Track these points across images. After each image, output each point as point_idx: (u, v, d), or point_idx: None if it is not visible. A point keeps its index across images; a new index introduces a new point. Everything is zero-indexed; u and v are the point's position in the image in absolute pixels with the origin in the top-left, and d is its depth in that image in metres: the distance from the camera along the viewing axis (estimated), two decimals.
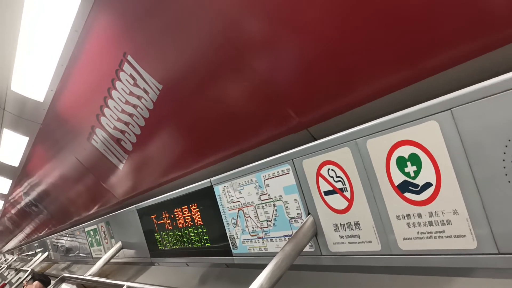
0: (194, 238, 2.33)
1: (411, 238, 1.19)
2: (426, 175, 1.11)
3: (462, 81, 1.07)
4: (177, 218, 2.45)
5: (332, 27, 1.28)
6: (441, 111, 1.03)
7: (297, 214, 1.58)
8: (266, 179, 1.69)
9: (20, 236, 10.84)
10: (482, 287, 1.10)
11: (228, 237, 2.02)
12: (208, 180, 2.07)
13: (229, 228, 2.00)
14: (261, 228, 1.78)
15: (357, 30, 1.23)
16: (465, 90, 0.99)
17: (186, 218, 2.36)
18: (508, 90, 0.91)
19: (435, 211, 1.11)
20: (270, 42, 1.50)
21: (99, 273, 3.53)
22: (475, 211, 1.03)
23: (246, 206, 1.84)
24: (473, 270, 1.10)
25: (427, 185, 1.11)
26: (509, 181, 0.95)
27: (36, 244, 8.54)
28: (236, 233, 1.96)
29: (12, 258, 11.58)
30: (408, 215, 1.18)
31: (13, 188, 6.54)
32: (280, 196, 1.64)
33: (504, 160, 0.95)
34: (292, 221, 1.61)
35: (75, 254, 5.40)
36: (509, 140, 0.93)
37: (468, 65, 1.07)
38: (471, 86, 0.99)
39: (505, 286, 1.06)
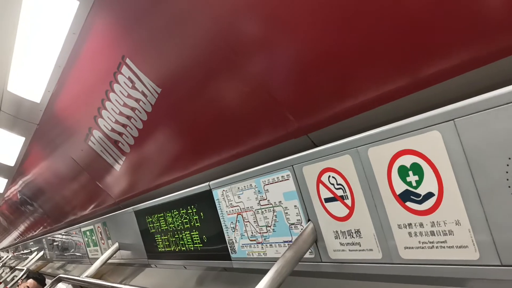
0: (192, 241, 2.32)
1: (412, 248, 1.19)
2: (428, 185, 1.11)
3: (466, 90, 1.07)
4: (175, 220, 2.44)
5: (334, 31, 1.27)
6: (444, 122, 1.03)
7: (297, 220, 1.58)
8: (266, 185, 1.68)
9: (15, 234, 10.79)
10: None
11: (227, 241, 2.01)
12: (207, 184, 2.06)
13: (227, 232, 1.99)
14: (260, 233, 1.78)
15: (359, 34, 1.22)
16: (469, 101, 0.99)
17: (184, 221, 2.35)
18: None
19: (437, 221, 1.11)
20: (270, 45, 1.49)
21: (96, 275, 3.52)
22: (477, 222, 1.02)
23: (245, 211, 1.83)
24: (475, 281, 1.09)
25: (429, 195, 1.11)
26: None
27: (31, 243, 8.51)
28: (235, 237, 1.95)
29: (7, 256, 11.54)
30: (410, 224, 1.18)
31: (8, 187, 6.50)
32: (280, 201, 1.63)
33: (507, 172, 0.94)
34: (292, 227, 1.61)
35: (71, 253, 5.39)
36: None
37: (472, 74, 1.07)
38: (475, 97, 0.98)
39: None
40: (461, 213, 1.05)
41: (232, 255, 2.00)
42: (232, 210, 1.92)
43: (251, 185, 1.76)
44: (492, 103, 0.94)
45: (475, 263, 1.05)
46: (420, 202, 1.14)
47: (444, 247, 1.11)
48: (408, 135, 1.12)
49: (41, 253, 7.40)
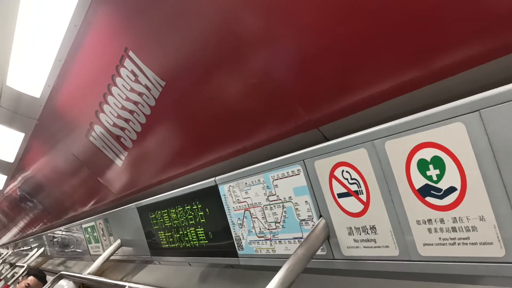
0: (197, 238, 2.27)
1: (432, 244, 1.14)
2: (450, 179, 1.06)
3: (491, 80, 1.02)
4: (179, 217, 2.39)
5: (346, 17, 1.21)
6: (469, 113, 0.98)
7: (308, 216, 1.53)
8: (275, 180, 1.64)
9: (15, 231, 10.75)
10: None
11: (234, 237, 1.97)
12: (213, 179, 2.02)
13: (234, 229, 1.95)
14: (269, 229, 1.73)
15: (374, 20, 1.16)
16: (495, 91, 0.94)
17: (188, 217, 2.30)
18: None
19: (459, 217, 1.06)
20: (277, 34, 1.43)
21: (98, 271, 3.48)
22: (503, 217, 0.98)
23: (253, 207, 1.79)
24: (500, 279, 1.05)
25: (451, 189, 1.06)
26: None
27: (31, 240, 8.47)
28: (242, 234, 1.91)
29: (7, 253, 11.50)
30: (430, 220, 1.13)
31: (7, 183, 6.45)
32: (290, 197, 1.59)
33: None
34: (302, 223, 1.56)
35: (72, 250, 5.35)
36: None
37: (497, 62, 1.02)
38: (501, 87, 0.94)
39: None
40: (486, 208, 1.00)
41: (239, 252, 1.95)
42: (239, 206, 1.87)
43: (259, 180, 1.72)
44: None
45: (501, 260, 1.00)
46: (441, 197, 1.09)
47: (466, 243, 1.06)
48: (429, 127, 1.07)
49: (41, 250, 7.36)
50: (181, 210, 2.36)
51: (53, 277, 3.99)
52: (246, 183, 1.80)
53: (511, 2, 0.93)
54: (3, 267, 10.14)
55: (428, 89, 1.17)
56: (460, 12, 1.01)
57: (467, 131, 0.99)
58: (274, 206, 1.67)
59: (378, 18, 1.15)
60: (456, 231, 1.08)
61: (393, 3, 1.09)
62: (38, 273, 5.26)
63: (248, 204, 1.82)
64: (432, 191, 1.11)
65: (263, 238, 1.78)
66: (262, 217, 1.75)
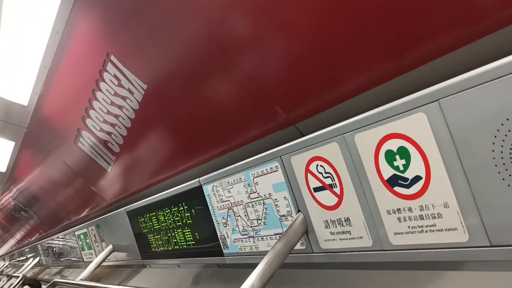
0: (185, 239, 2.30)
1: (402, 233, 1.17)
2: (416, 168, 1.09)
3: (451, 70, 1.06)
4: (167, 219, 2.42)
5: (316, 21, 1.26)
6: (429, 103, 1.02)
7: (287, 211, 1.56)
8: (255, 177, 1.67)
9: (11, 242, 10.72)
10: (475, 280, 1.08)
11: (219, 237, 1.99)
12: (197, 180, 2.04)
13: (219, 228, 1.97)
14: (251, 227, 1.76)
15: (341, 23, 1.21)
16: (452, 81, 0.98)
17: (175, 219, 2.33)
18: (496, 79, 0.89)
19: (426, 205, 1.10)
20: (255, 38, 1.47)
21: (90, 277, 3.49)
22: (465, 203, 1.01)
23: (236, 205, 1.81)
24: (465, 263, 1.08)
25: (417, 178, 1.10)
26: (499, 172, 0.93)
27: (27, 250, 8.45)
28: (226, 232, 1.93)
29: (4, 265, 11.45)
30: (399, 209, 1.16)
31: (1, 194, 6.44)
32: (270, 194, 1.62)
33: (493, 151, 0.93)
34: (282, 219, 1.59)
35: (67, 258, 5.34)
36: (498, 130, 0.91)
37: (456, 54, 1.05)
38: (458, 76, 0.97)
39: (498, 278, 1.05)
40: (449, 195, 1.04)
41: (225, 251, 1.98)
42: (223, 205, 1.90)
43: (240, 178, 1.74)
44: (476, 81, 0.93)
45: (465, 245, 1.03)
46: (408, 186, 1.12)
47: (433, 230, 1.09)
48: (394, 118, 1.11)
49: (36, 260, 7.34)
50: (168, 212, 2.38)
51: (47, 286, 4.00)
52: (228, 182, 1.82)
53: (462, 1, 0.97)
54: (0, 279, 10.09)
55: (394, 82, 1.21)
56: (417, 10, 1.05)
57: (428, 121, 1.03)
58: (256, 203, 1.70)
59: (345, 22, 1.19)
60: (424, 219, 1.11)
61: (357, 6, 1.13)
62: (33, 282, 5.25)
63: (231, 203, 1.84)
64: (399, 181, 1.14)
65: (246, 236, 1.81)
66: (245, 215, 1.78)
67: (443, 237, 1.08)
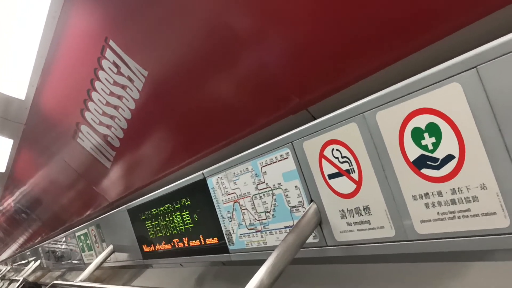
0: (188, 236, 2.18)
1: (430, 220, 1.05)
2: (447, 146, 0.97)
3: (484, 38, 0.94)
4: (169, 215, 2.30)
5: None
6: (465, 71, 0.90)
7: (299, 202, 1.44)
8: (263, 166, 1.55)
9: (12, 246, 10.62)
10: None
11: (224, 232, 1.87)
12: (201, 172, 1.93)
13: (224, 223, 1.85)
14: (259, 220, 1.64)
15: None
16: (492, 44, 0.86)
17: (178, 215, 2.21)
18: None
19: (459, 187, 0.97)
20: (263, 18, 1.36)
21: (90, 279, 3.37)
22: (507, 183, 0.89)
23: (242, 198, 1.69)
24: (505, 252, 0.96)
25: (449, 158, 0.98)
26: None
27: (28, 253, 8.34)
28: (232, 227, 1.81)
29: (6, 269, 11.35)
30: (426, 194, 1.04)
31: (1, 195, 6.34)
32: (279, 183, 1.50)
33: None
34: (293, 210, 1.47)
35: (68, 261, 5.23)
36: None
37: (487, 20, 0.94)
38: (498, 39, 0.85)
39: None
40: (487, 175, 0.92)
41: (230, 247, 1.86)
42: (228, 198, 1.78)
43: (247, 168, 1.63)
44: None
45: (505, 231, 0.91)
46: (438, 168, 1.00)
47: (467, 216, 0.97)
48: (422, 92, 0.98)
49: (37, 263, 7.22)
50: (171, 208, 2.27)
51: None
52: (234, 173, 1.71)
53: None
54: (3, 284, 9.99)
55: (420, 54, 1.09)
56: None
57: (463, 91, 0.91)
58: (264, 194, 1.58)
59: None
60: (456, 204, 0.99)
61: None
62: (33, 285, 5.18)
63: (237, 196, 1.72)
64: (428, 162, 1.02)
65: (253, 230, 1.69)
66: (252, 208, 1.66)
67: (479, 223, 0.95)
